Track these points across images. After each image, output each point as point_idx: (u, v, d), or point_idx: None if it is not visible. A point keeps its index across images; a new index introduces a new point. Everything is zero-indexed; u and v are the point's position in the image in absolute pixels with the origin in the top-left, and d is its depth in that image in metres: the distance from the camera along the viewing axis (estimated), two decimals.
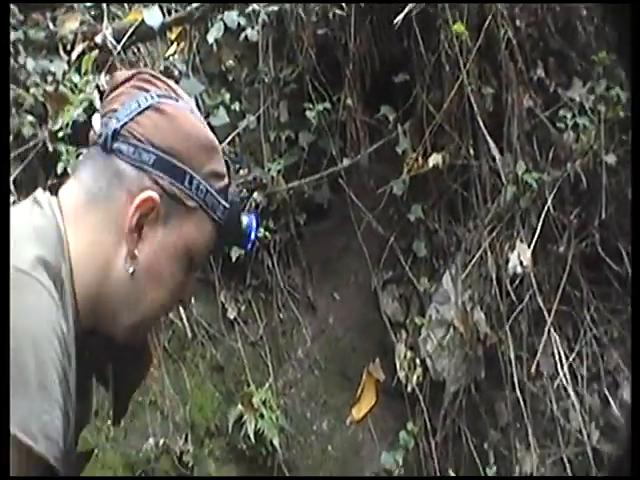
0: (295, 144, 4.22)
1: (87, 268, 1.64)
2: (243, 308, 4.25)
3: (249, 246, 1.85)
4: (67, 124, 3.76)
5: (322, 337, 4.33)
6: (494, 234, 4.04)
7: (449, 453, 4.20)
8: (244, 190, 4.11)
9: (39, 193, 1.68)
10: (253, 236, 1.85)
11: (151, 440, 3.97)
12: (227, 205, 1.74)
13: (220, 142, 1.76)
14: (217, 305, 4.18)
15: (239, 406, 4.10)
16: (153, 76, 1.77)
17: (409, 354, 4.17)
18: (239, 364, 4.20)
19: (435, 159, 4.04)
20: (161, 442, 3.98)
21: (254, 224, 1.84)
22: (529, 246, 3.94)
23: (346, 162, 4.14)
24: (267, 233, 4.11)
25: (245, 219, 1.82)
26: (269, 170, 4.11)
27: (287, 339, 4.32)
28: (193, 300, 4.05)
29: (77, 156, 3.73)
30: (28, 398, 1.39)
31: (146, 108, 1.70)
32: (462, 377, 4.12)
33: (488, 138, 4.00)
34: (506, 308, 4.05)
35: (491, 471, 4.20)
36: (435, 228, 4.23)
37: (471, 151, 4.07)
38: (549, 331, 3.96)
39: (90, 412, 1.87)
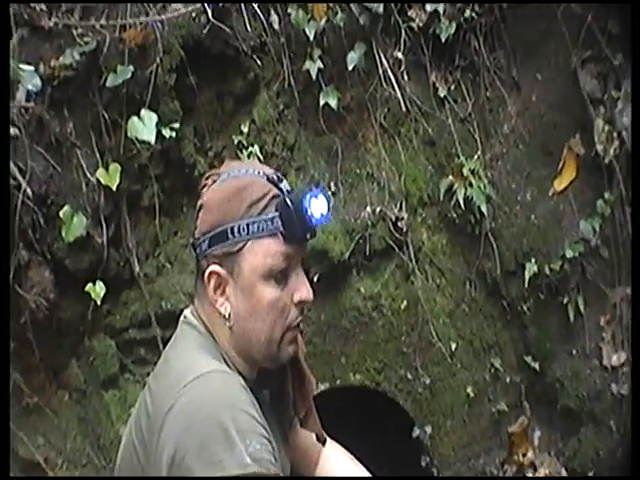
0: None
1: (230, 347, 2.22)
2: (453, 87, 4.50)
3: (317, 221, 2.18)
4: None
5: (526, 114, 4.51)
6: None
7: None
8: None
9: (188, 314, 2.30)
10: (314, 211, 2.16)
11: (369, 208, 4.33)
12: (275, 214, 2.13)
13: None
14: (428, 85, 4.44)
15: (450, 177, 4.41)
16: (206, 178, 2.26)
17: (607, 128, 4.34)
18: (449, 139, 4.47)
19: None
20: (378, 210, 4.34)
21: (310, 203, 2.15)
22: None
23: None
24: (473, 14, 4.33)
25: (306, 202, 2.14)
26: None
27: (494, 116, 4.54)
28: (406, 78, 4.37)
29: None
30: (237, 447, 1.92)
31: (198, 213, 2.22)
32: None
33: None
34: None
35: None
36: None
37: None
38: None
39: (286, 423, 2.55)
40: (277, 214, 2.13)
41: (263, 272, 2.15)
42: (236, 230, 2.12)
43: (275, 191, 2.17)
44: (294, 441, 2.65)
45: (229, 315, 2.18)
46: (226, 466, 1.90)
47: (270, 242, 2.14)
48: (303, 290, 2.23)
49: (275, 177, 2.21)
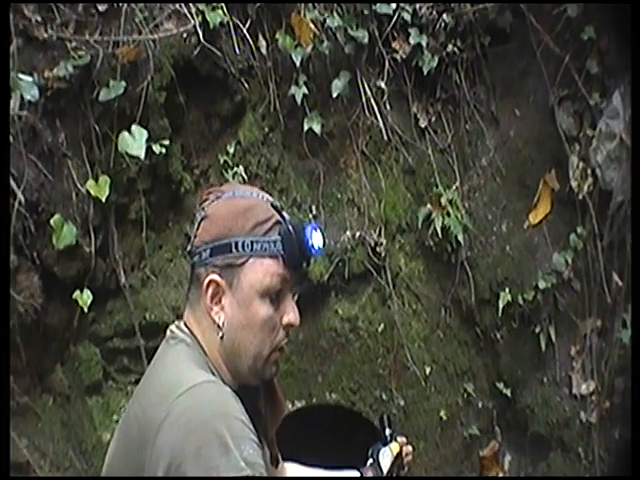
0: None
1: (218, 356, 2.28)
2: (433, 119, 4.64)
3: (315, 251, 2.26)
4: None
5: (504, 148, 4.67)
6: None
7: (614, 258, 4.49)
8: (434, 12, 4.53)
9: (174, 328, 2.36)
10: (314, 242, 2.25)
11: (348, 233, 4.44)
12: (278, 238, 2.22)
13: None
14: (410, 115, 4.60)
15: (428, 205, 4.55)
16: (208, 193, 2.37)
17: (581, 165, 4.48)
18: (429, 168, 4.62)
19: None
20: (357, 235, 4.45)
21: (311, 235, 2.25)
22: None
23: None
24: (455, 49, 4.51)
25: (308, 233, 2.24)
26: None
27: (472, 148, 4.70)
28: (389, 107, 4.51)
29: None
30: (232, 452, 2.00)
31: (199, 223, 2.31)
32: (628, 188, 4.32)
33: None
34: None
35: None
36: (607, 48, 4.43)
37: None
38: None
39: (266, 429, 2.52)
40: (279, 238, 2.22)
41: (261, 289, 2.22)
42: (240, 245, 2.21)
43: (278, 217, 2.27)
44: None
45: (222, 324, 2.25)
46: (222, 471, 1.98)
47: (271, 262, 2.22)
48: (292, 314, 2.29)
49: (277, 205, 2.33)
